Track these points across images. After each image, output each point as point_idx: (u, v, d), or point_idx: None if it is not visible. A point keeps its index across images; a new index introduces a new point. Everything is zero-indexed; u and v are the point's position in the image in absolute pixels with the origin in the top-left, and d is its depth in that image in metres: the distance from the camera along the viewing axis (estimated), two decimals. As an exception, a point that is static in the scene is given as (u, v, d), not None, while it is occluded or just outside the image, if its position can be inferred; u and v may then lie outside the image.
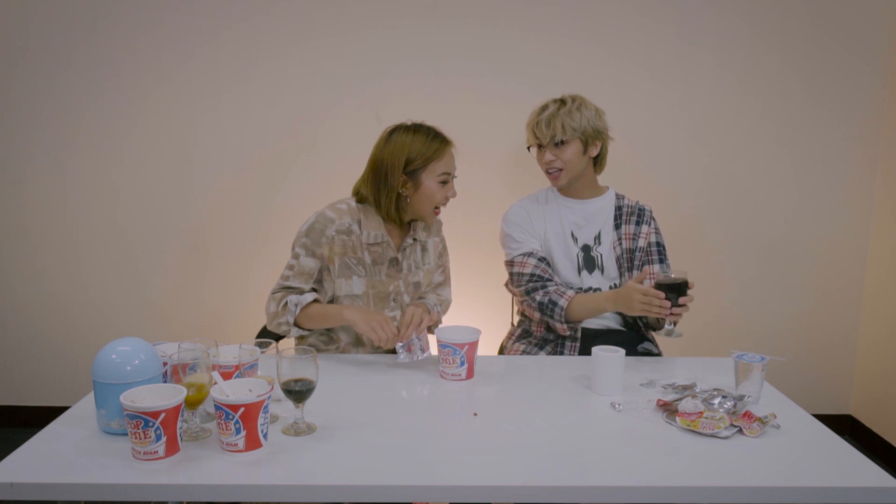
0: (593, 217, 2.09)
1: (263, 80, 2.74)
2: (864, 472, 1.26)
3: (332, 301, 1.90)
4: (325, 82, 2.74)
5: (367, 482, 1.19)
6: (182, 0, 2.68)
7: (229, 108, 2.76)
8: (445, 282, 2.08)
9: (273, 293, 1.87)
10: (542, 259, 2.03)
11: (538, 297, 1.99)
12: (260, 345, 1.45)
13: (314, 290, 1.88)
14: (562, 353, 2.01)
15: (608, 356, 1.60)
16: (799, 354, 2.94)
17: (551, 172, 2.05)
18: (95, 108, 2.75)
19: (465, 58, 2.73)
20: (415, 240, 1.95)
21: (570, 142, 2.00)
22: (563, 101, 2.03)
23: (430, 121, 1.91)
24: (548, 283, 2.00)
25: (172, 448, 1.23)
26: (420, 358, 1.77)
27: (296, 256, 1.86)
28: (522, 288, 2.02)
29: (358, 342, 1.92)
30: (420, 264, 1.97)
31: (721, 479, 1.22)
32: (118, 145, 2.78)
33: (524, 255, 2.03)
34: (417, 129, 1.85)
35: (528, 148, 2.11)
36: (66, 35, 2.71)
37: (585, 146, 2.02)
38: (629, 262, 2.07)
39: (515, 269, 2.04)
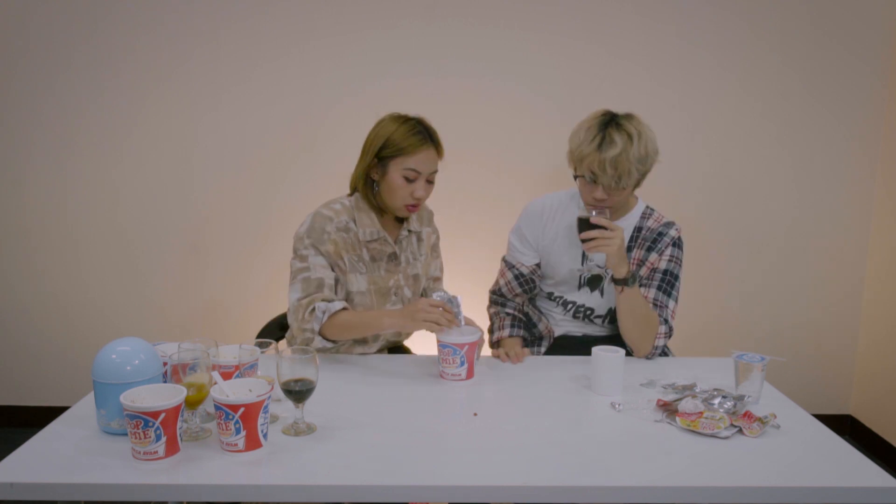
0: None
1: (263, 80, 2.74)
2: (864, 472, 1.26)
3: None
4: (325, 82, 2.74)
5: (367, 482, 1.19)
6: (182, 0, 2.68)
7: (229, 108, 2.76)
8: (441, 276, 2.08)
9: (299, 300, 1.76)
10: (518, 276, 2.03)
11: (491, 309, 2.13)
12: (260, 345, 1.45)
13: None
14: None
15: (608, 356, 1.59)
16: (799, 354, 2.94)
17: (596, 206, 1.83)
18: (95, 108, 2.75)
19: (465, 58, 2.72)
20: (409, 231, 1.94)
21: (630, 184, 1.81)
22: (629, 137, 1.76)
23: (430, 121, 1.90)
24: (508, 303, 2.08)
25: (172, 448, 1.23)
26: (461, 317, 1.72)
27: (303, 259, 1.79)
28: (491, 291, 2.13)
29: (360, 340, 1.91)
30: (417, 255, 1.96)
31: (721, 479, 1.22)
32: (118, 145, 2.78)
33: (508, 264, 2.06)
34: (407, 120, 1.83)
35: (575, 177, 1.89)
36: (66, 35, 2.71)
37: (639, 183, 1.87)
38: None
39: (499, 271, 2.10)
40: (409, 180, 1.79)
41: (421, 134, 1.80)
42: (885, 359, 2.80)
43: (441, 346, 1.68)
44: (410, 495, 1.19)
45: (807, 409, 1.56)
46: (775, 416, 1.43)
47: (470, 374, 1.69)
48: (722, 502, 1.21)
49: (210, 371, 1.32)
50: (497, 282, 2.10)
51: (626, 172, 1.75)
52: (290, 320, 1.83)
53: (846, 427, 3.03)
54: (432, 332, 1.66)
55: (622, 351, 1.61)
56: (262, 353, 1.44)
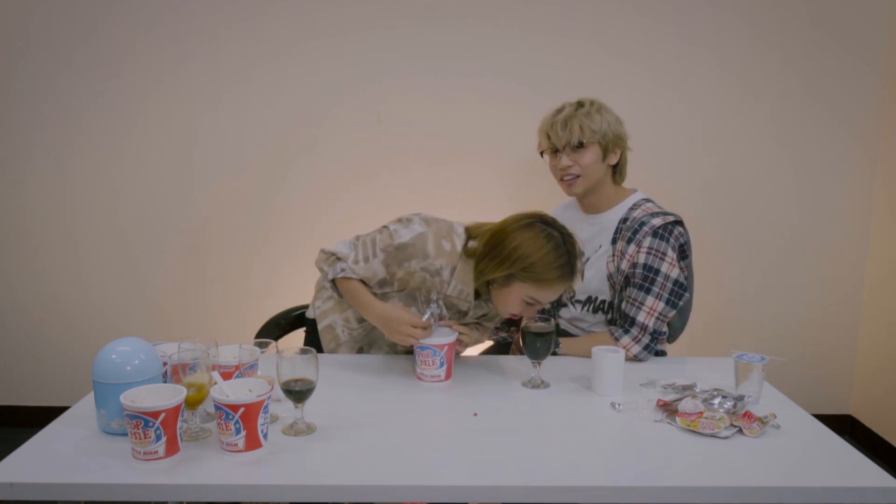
0: (604, 230, 1.93)
1: (263, 80, 2.74)
2: (864, 472, 1.26)
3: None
4: (325, 82, 2.74)
5: (367, 482, 1.19)
6: (182, 0, 2.69)
7: (229, 108, 2.76)
8: None
9: (335, 252, 1.76)
10: None
11: None
12: (260, 345, 1.45)
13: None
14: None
15: (608, 356, 1.59)
16: (799, 354, 2.94)
17: (566, 179, 1.90)
18: (95, 108, 2.75)
19: (465, 58, 2.72)
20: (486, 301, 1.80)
21: (588, 146, 1.87)
22: (580, 104, 1.91)
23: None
24: None
25: (172, 448, 1.23)
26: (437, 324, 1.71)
27: (366, 259, 1.73)
28: None
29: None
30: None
31: (721, 479, 1.22)
32: (118, 145, 2.78)
33: None
34: (557, 245, 1.60)
35: (542, 154, 1.98)
36: (66, 35, 2.71)
37: (605, 152, 1.89)
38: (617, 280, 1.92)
39: None
40: (527, 304, 1.66)
41: (563, 268, 1.60)
42: (885, 359, 2.80)
43: (420, 348, 1.67)
44: (410, 495, 1.19)
45: (807, 409, 1.56)
46: (775, 416, 1.43)
47: (448, 375, 1.69)
48: (722, 502, 1.21)
49: (210, 371, 1.32)
50: None
51: (576, 130, 1.86)
52: (317, 257, 1.82)
53: (846, 427, 3.02)
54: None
55: (622, 351, 1.61)
56: (262, 353, 1.44)
